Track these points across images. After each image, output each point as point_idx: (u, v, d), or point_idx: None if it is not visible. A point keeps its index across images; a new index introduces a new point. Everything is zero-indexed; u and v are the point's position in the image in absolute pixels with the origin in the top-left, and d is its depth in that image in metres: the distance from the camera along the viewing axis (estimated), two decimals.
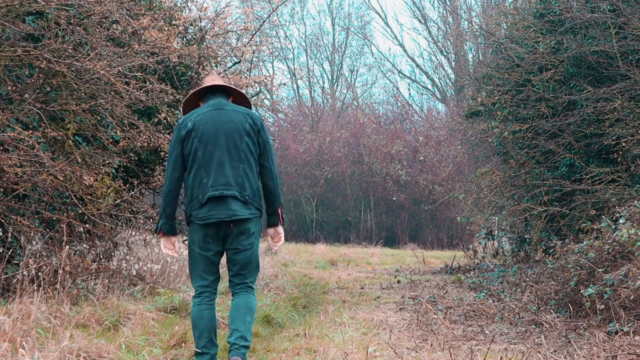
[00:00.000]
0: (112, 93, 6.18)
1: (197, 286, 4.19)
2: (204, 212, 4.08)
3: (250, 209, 4.12)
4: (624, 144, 7.79)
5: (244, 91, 4.52)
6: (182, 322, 5.52)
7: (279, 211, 4.29)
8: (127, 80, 6.30)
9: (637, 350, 4.65)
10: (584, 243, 6.51)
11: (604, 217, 6.89)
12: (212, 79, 4.43)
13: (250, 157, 4.17)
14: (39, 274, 5.21)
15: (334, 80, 31.17)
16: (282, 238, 4.37)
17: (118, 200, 6.19)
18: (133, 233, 7.49)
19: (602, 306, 5.65)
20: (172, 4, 8.46)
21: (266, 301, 7.62)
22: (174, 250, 4.31)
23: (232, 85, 4.53)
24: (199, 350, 4.05)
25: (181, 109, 4.73)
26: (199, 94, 4.40)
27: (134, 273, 6.37)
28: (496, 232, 12.18)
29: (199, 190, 4.10)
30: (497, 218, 12.07)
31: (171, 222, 4.24)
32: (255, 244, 4.21)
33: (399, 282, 10.07)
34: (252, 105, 4.80)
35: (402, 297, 8.28)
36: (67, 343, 4.01)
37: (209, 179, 4.09)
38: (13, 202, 5.42)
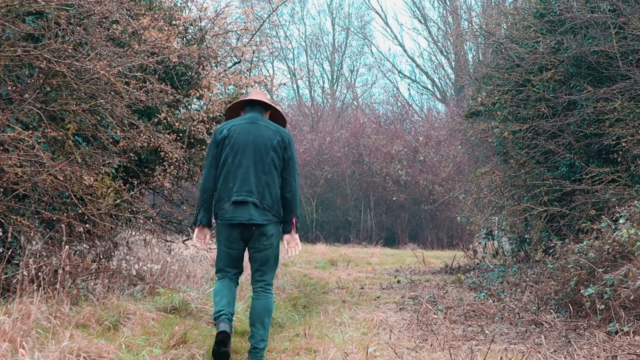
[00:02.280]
0: (112, 93, 6.17)
1: (218, 275, 4.72)
2: (228, 214, 4.58)
3: (267, 216, 4.59)
4: (624, 144, 7.79)
5: (280, 109, 4.94)
6: (182, 322, 5.52)
7: (293, 220, 4.71)
8: (127, 80, 6.29)
9: (637, 350, 4.65)
10: (584, 243, 6.51)
11: (604, 217, 6.89)
12: (255, 94, 4.88)
13: (274, 170, 4.63)
14: (39, 274, 5.20)
15: (334, 80, 31.19)
16: (299, 244, 4.76)
17: (118, 200, 6.19)
18: (133, 233, 7.49)
19: (602, 306, 5.66)
20: (172, 4, 8.45)
21: None
22: (205, 240, 4.76)
23: (271, 103, 4.87)
24: (220, 310, 4.49)
25: (224, 114, 5.34)
26: (241, 105, 4.88)
27: (134, 273, 6.37)
28: (496, 232, 12.18)
29: (225, 193, 4.60)
30: (497, 218, 12.07)
31: (208, 215, 4.70)
32: (275, 244, 4.68)
33: (399, 282, 10.07)
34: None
35: (402, 297, 8.28)
36: (67, 343, 4.01)
37: (235, 184, 4.58)
38: (13, 202, 5.42)
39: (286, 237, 4.76)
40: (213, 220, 4.79)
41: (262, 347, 4.57)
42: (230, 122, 4.76)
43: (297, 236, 4.75)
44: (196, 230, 4.76)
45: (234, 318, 4.87)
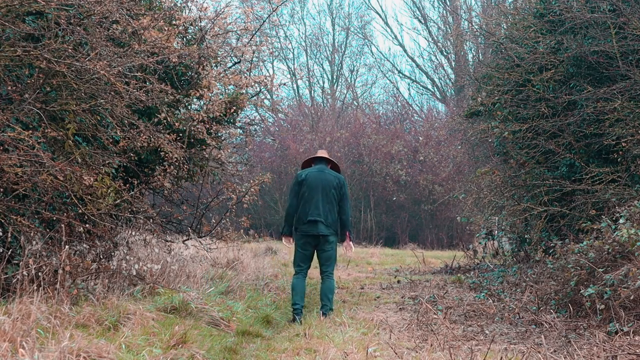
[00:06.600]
0: (112, 93, 6.16)
1: (295, 269, 7.09)
2: (304, 228, 7.03)
3: (329, 230, 7.05)
4: (624, 144, 7.79)
5: (336, 161, 7.55)
6: (182, 322, 5.52)
7: (347, 234, 7.23)
8: (127, 80, 6.28)
9: (637, 350, 4.65)
10: (584, 243, 6.51)
11: (604, 217, 6.89)
12: (322, 152, 7.46)
13: (334, 201, 7.11)
14: (39, 274, 5.20)
15: (334, 80, 31.15)
16: (352, 248, 7.43)
17: (118, 200, 6.18)
18: (133, 233, 7.48)
19: (602, 306, 5.66)
20: (172, 4, 8.44)
21: (266, 301, 7.63)
22: (290, 242, 7.28)
23: (332, 159, 7.43)
24: (295, 303, 6.86)
25: (300, 165, 7.77)
26: (312, 159, 7.44)
27: (134, 273, 6.36)
28: (496, 232, 12.17)
29: (304, 215, 7.05)
30: (497, 218, 12.06)
31: (290, 228, 7.21)
32: (334, 248, 7.16)
33: (399, 282, 10.07)
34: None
35: (402, 297, 8.28)
36: (67, 343, 4.01)
37: (309, 209, 7.03)
38: (13, 202, 5.41)
39: (344, 244, 7.35)
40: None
41: (329, 308, 6.91)
42: (306, 170, 7.29)
43: (351, 243, 7.32)
44: (283, 238, 7.35)
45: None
